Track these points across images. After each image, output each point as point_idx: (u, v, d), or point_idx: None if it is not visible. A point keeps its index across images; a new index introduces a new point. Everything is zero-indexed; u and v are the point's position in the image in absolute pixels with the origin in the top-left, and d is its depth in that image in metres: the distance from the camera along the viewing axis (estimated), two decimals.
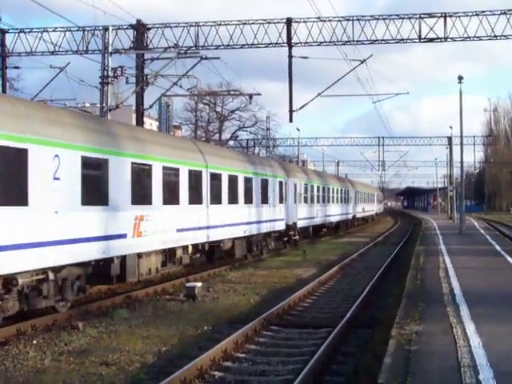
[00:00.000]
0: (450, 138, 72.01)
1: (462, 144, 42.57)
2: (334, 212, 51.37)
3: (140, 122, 34.65)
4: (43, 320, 14.66)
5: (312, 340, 13.24)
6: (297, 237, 36.85)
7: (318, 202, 44.37)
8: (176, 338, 13.38)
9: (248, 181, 27.80)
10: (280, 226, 32.99)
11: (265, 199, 30.24)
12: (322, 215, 45.92)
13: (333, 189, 51.54)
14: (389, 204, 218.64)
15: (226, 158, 27.38)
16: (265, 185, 30.34)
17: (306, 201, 40.37)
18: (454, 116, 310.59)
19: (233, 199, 25.85)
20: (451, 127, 66.51)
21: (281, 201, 33.17)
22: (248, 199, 27.61)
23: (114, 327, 14.40)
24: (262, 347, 12.70)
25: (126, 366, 11.26)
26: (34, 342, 12.97)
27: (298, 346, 12.79)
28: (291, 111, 36.08)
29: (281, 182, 33.55)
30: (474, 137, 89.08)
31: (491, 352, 9.37)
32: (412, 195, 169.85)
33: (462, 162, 43.72)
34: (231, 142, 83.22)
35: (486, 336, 10.40)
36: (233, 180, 26.02)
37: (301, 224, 38.15)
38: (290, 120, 36.42)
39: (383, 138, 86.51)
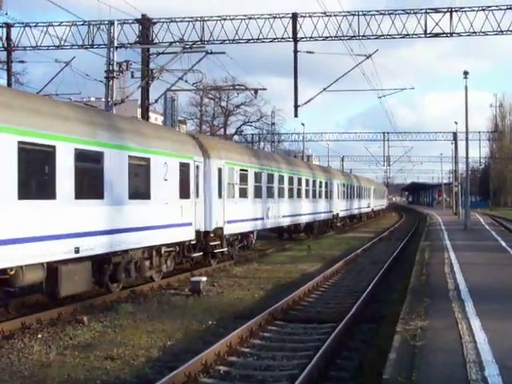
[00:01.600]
0: (455, 134, 71.82)
1: (467, 139, 42.45)
2: (300, 210, 38.27)
3: (145, 116, 34.67)
4: (48, 314, 14.68)
5: (317, 335, 13.24)
6: (224, 249, 25.13)
7: (270, 196, 31.83)
8: (181, 333, 13.39)
9: (90, 158, 16.16)
10: (183, 234, 21.01)
11: (143, 192, 18.62)
12: (277, 215, 33.19)
13: (299, 179, 38.53)
14: (393, 199, 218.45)
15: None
16: (140, 167, 18.58)
17: (243, 195, 27.53)
18: (459, 112, 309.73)
19: (41, 192, 14.61)
20: (456, 123, 66.31)
21: (186, 195, 21.19)
22: (91, 192, 16.17)
23: (118, 321, 14.41)
24: (266, 342, 12.70)
25: (130, 360, 11.27)
26: (39, 335, 12.99)
27: (303, 341, 12.78)
28: (296, 106, 36.06)
29: (185, 165, 21.38)
30: (479, 132, 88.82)
31: (496, 348, 9.34)
32: (417, 190, 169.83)
33: (467, 158, 43.62)
34: (236, 137, 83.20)
35: (491, 332, 10.37)
36: (37, 154, 14.34)
37: (232, 229, 25.75)
38: (295, 115, 36.44)
39: (388, 133, 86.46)
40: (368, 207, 71.94)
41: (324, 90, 36.74)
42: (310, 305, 17.05)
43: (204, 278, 19.03)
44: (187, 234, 21.54)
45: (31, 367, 10.81)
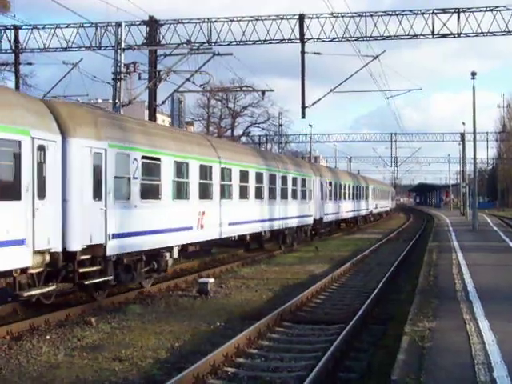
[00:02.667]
0: (462, 135, 71.69)
1: (475, 140, 42.39)
2: (260, 215, 28.41)
3: (152, 117, 34.71)
4: (56, 315, 14.69)
5: (325, 336, 13.22)
6: (109, 277, 16.41)
7: (206, 197, 22.41)
8: (189, 334, 13.38)
9: None
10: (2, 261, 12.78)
11: None
12: (219, 222, 23.50)
13: (258, 174, 28.43)
14: (401, 200, 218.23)
15: None
16: None
17: (151, 195, 18.78)
18: (465, 112, 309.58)
19: None
20: (464, 123, 66.26)
21: (7, 194, 13.05)
22: None
23: (126, 323, 14.42)
24: (274, 343, 12.68)
25: (138, 361, 11.27)
26: (48, 337, 13.01)
27: (311, 343, 12.77)
28: (304, 107, 36.07)
29: (8, 144, 13.24)
30: (487, 133, 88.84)
31: (505, 349, 9.32)
32: (424, 191, 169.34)
33: (475, 159, 43.53)
34: (243, 138, 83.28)
35: (499, 333, 10.34)
36: None
37: (124, 247, 16.96)
38: (303, 116, 36.45)
39: (395, 134, 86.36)
40: (365, 209, 62.11)
41: (331, 91, 36.72)
42: (318, 306, 17.02)
43: (211, 280, 19.03)
44: (12, 261, 13.06)
45: (40, 368, 10.83)
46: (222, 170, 24.00)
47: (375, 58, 34.92)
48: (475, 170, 45.44)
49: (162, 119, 78.96)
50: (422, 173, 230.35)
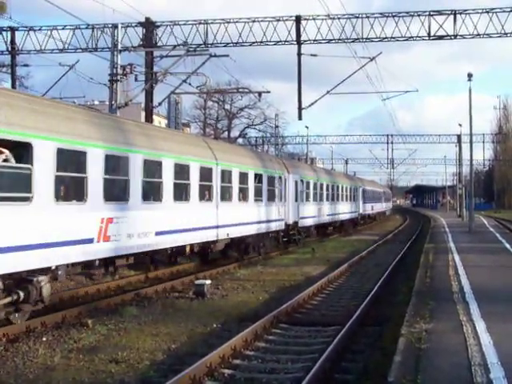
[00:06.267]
0: (459, 136, 71.71)
1: (471, 142, 42.40)
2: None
3: (149, 119, 34.69)
4: (52, 317, 14.66)
5: (321, 338, 13.21)
6: None
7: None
8: (185, 336, 13.37)
9: None
10: None
11: None
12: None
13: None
14: (397, 202, 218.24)
15: None
16: None
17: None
18: (460, 114, 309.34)
19: None
20: (460, 125, 66.27)
21: None
22: None
23: (123, 324, 14.40)
24: (271, 345, 12.68)
25: (135, 363, 11.25)
26: (44, 339, 12.99)
27: (308, 344, 12.76)
28: (300, 109, 36.08)
29: None
30: (483, 134, 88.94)
31: (502, 350, 9.31)
32: (421, 193, 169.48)
33: (471, 160, 43.59)
34: (240, 140, 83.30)
35: (496, 334, 10.34)
36: None
37: None
38: (299, 118, 36.46)
39: (392, 135, 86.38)
40: (279, 219, 31.73)
41: (328, 92, 36.72)
42: (314, 307, 17.03)
43: (208, 281, 19.00)
44: None
45: (36, 370, 10.80)
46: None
47: (371, 59, 34.94)
48: (471, 171, 45.48)
49: (159, 121, 78.95)
50: (418, 174, 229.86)
